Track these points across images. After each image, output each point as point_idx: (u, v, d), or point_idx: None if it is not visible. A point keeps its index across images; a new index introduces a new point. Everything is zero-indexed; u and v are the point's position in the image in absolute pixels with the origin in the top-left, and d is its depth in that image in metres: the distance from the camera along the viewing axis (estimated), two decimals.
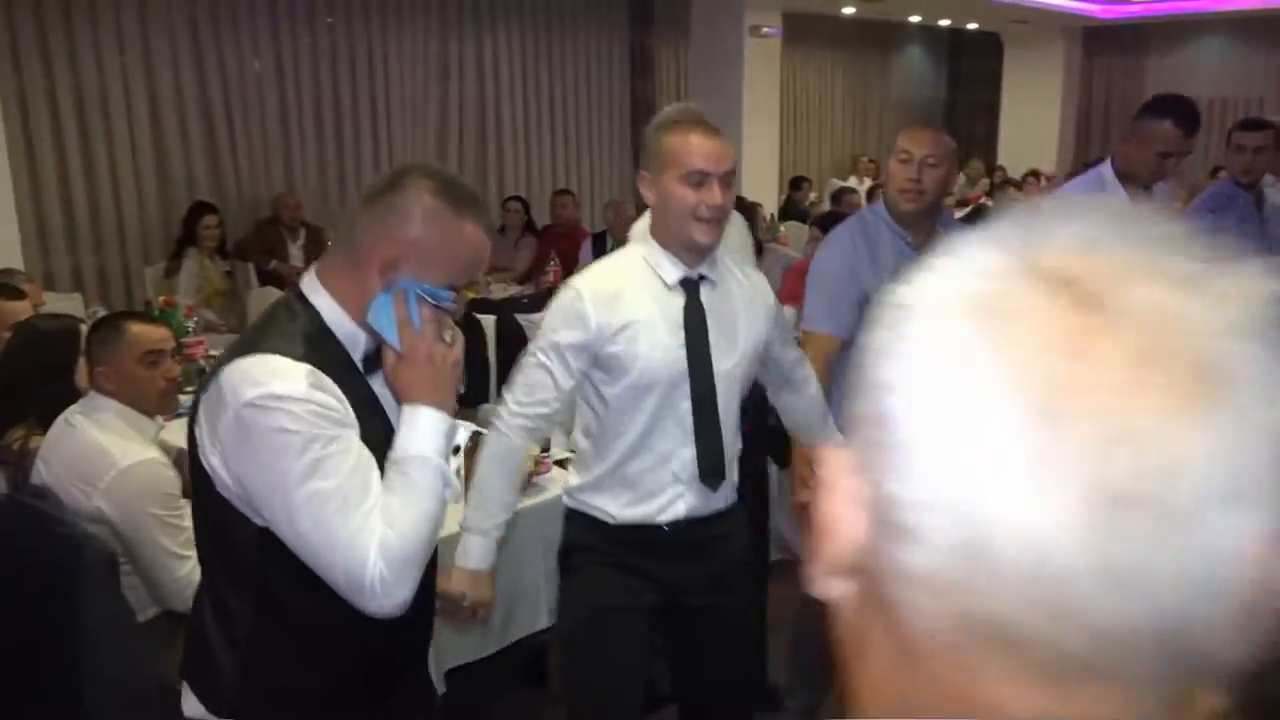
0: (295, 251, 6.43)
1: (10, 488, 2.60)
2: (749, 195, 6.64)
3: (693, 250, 1.97)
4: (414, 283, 1.42)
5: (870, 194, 7.78)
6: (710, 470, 2.02)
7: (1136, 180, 3.06)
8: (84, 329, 2.78)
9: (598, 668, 2.07)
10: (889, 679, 0.45)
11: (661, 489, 2.02)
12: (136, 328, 2.41)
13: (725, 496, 2.09)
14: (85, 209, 6.17)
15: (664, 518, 2.03)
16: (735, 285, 2.08)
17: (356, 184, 7.37)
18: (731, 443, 2.08)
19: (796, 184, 9.51)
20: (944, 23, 11.91)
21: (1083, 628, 0.37)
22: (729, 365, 2.02)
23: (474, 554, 1.97)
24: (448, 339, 1.48)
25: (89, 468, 2.26)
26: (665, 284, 1.98)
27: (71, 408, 2.41)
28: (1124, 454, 0.36)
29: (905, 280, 0.44)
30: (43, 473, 2.40)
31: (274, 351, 1.36)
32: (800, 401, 2.29)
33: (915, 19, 11.44)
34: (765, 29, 8.45)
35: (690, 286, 2.00)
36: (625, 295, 1.97)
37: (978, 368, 0.39)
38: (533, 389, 1.98)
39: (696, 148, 1.90)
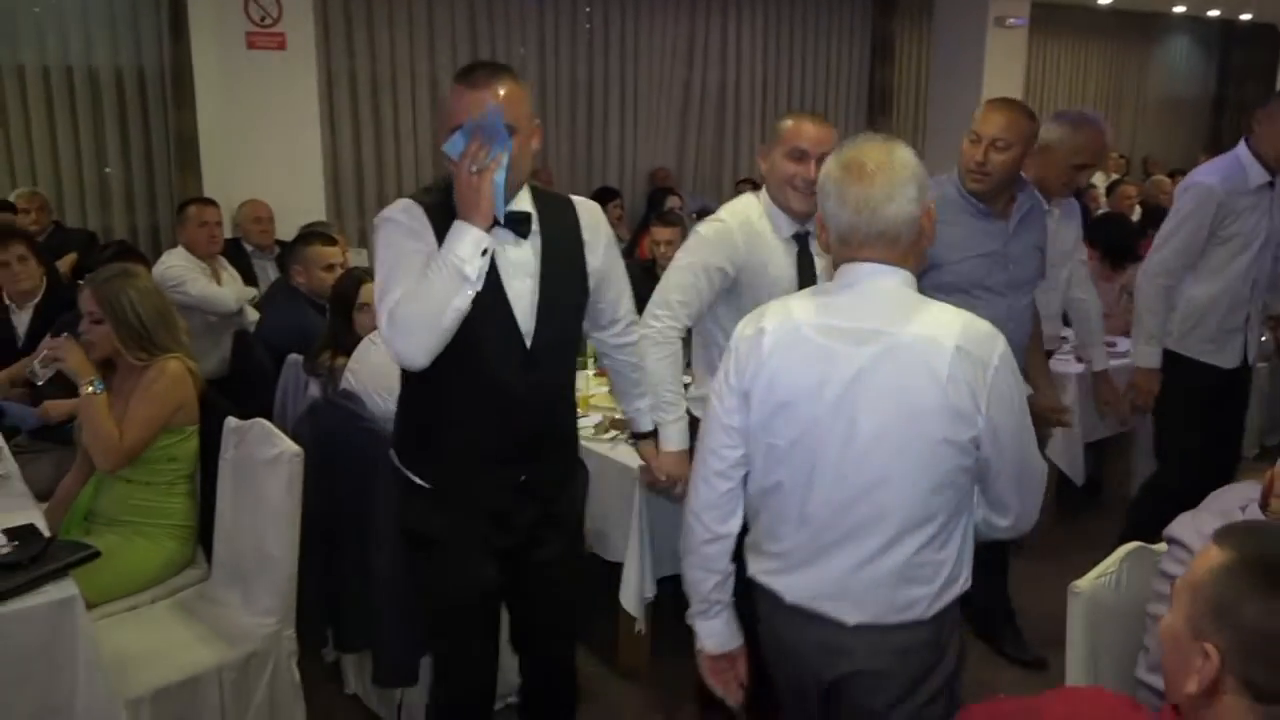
0: None
1: (324, 394, 3.28)
2: None
3: (790, 212, 2.48)
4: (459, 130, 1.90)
5: (1110, 190, 7.59)
6: None
7: (1266, 161, 3.22)
8: None
9: None
10: None
11: None
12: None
13: None
14: (374, 177, 7.08)
15: None
16: None
17: (603, 161, 7.98)
18: None
19: None
20: (1213, 13, 11.24)
21: None
22: None
23: (673, 438, 2.46)
24: (476, 168, 1.89)
25: (388, 379, 2.83)
26: (779, 235, 2.50)
27: (375, 332, 3.01)
28: None
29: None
30: (351, 382, 3.03)
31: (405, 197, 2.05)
32: None
33: (1180, 9, 10.87)
34: (1011, 19, 8.39)
35: (801, 240, 2.51)
36: (763, 235, 2.49)
37: None
38: (687, 300, 2.48)
39: (804, 131, 2.43)
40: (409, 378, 2.11)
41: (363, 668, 2.98)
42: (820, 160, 2.25)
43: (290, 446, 2.53)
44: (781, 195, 2.47)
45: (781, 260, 2.49)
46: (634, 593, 2.98)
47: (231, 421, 2.74)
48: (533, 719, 2.47)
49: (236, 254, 4.89)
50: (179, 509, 2.79)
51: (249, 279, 4.80)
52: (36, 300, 3.86)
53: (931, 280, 2.57)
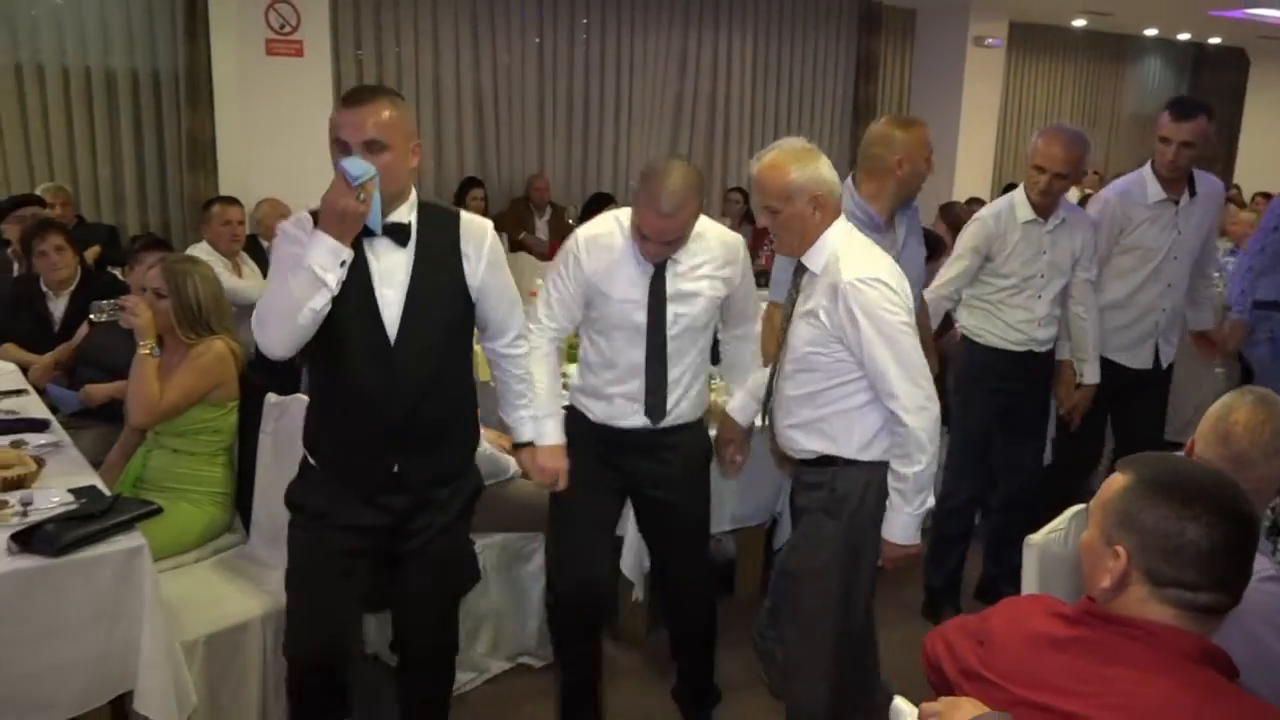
0: (541, 226, 7.36)
1: None
2: (960, 197, 7.07)
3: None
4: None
5: (1082, 203, 7.91)
6: None
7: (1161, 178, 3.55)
8: None
9: None
10: None
11: None
12: None
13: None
14: None
15: None
16: None
17: (597, 168, 8.26)
18: None
19: (1009, 189, 9.67)
20: (1184, 36, 11.65)
21: None
22: None
23: (550, 433, 2.60)
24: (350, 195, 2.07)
25: None
26: (638, 260, 2.54)
27: None
28: None
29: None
30: None
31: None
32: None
33: (1152, 32, 11.27)
34: (989, 40, 8.75)
35: (658, 266, 2.56)
36: (614, 253, 2.56)
37: None
38: (550, 313, 2.65)
39: (647, 220, 2.43)
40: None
41: (383, 629, 3.23)
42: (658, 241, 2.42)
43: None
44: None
45: (630, 285, 2.51)
46: (633, 560, 3.24)
47: (272, 398, 3.00)
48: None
49: (254, 249, 5.14)
50: (219, 477, 3.05)
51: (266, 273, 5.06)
52: (72, 288, 4.10)
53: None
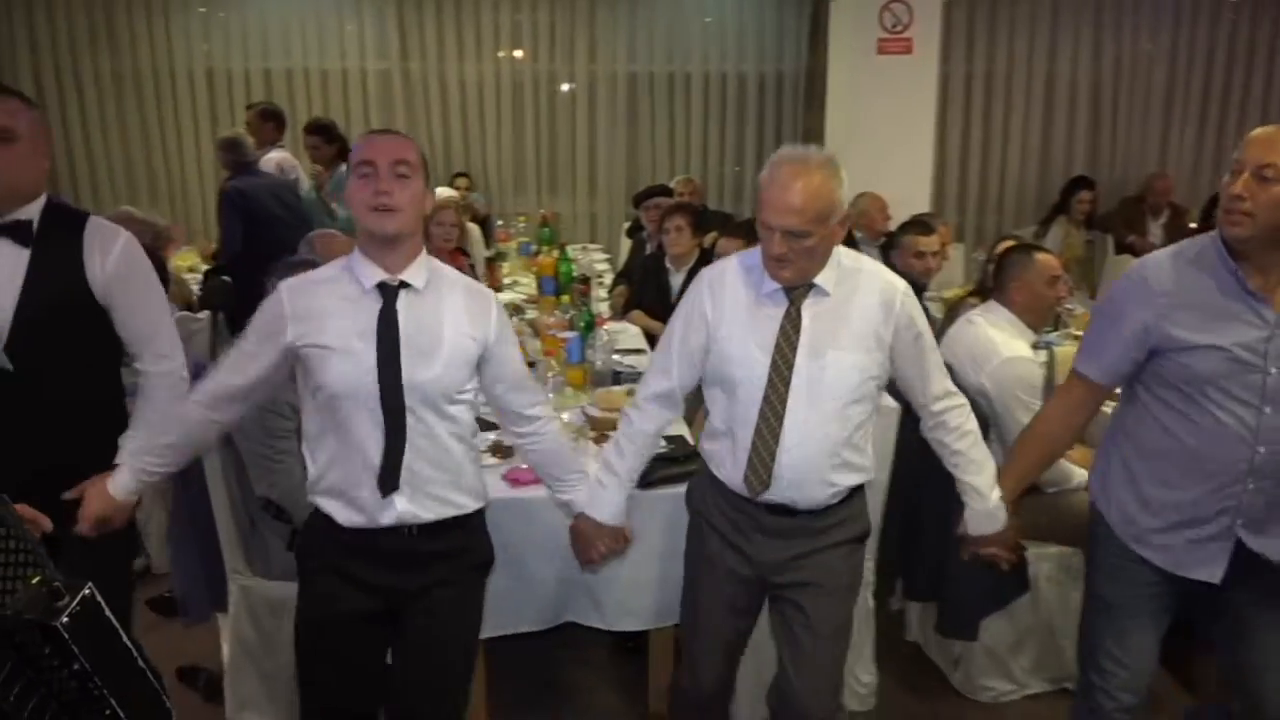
0: (1155, 229, 6.69)
1: None
2: None
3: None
4: None
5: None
6: None
7: None
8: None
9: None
10: None
11: None
12: (1043, 257, 3.12)
13: None
14: (977, 175, 7.25)
15: None
16: None
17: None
18: None
19: None
20: None
21: None
22: None
23: None
24: None
25: (980, 353, 3.03)
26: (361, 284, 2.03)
27: (975, 310, 3.22)
28: None
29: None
30: (945, 353, 3.26)
31: None
32: None
33: None
34: None
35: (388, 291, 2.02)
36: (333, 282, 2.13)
37: None
38: None
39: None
40: None
41: (926, 617, 3.24)
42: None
43: (888, 401, 2.84)
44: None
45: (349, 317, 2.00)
46: None
47: None
48: None
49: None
50: None
51: None
52: (689, 265, 4.66)
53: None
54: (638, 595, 2.66)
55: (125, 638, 1.04)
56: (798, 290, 2.08)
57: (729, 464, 2.16)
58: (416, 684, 2.10)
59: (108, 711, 1.01)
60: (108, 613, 1.03)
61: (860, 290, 2.10)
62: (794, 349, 2.06)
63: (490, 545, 2.21)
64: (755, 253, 2.13)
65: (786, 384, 2.06)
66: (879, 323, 2.09)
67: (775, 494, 2.12)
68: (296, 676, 2.12)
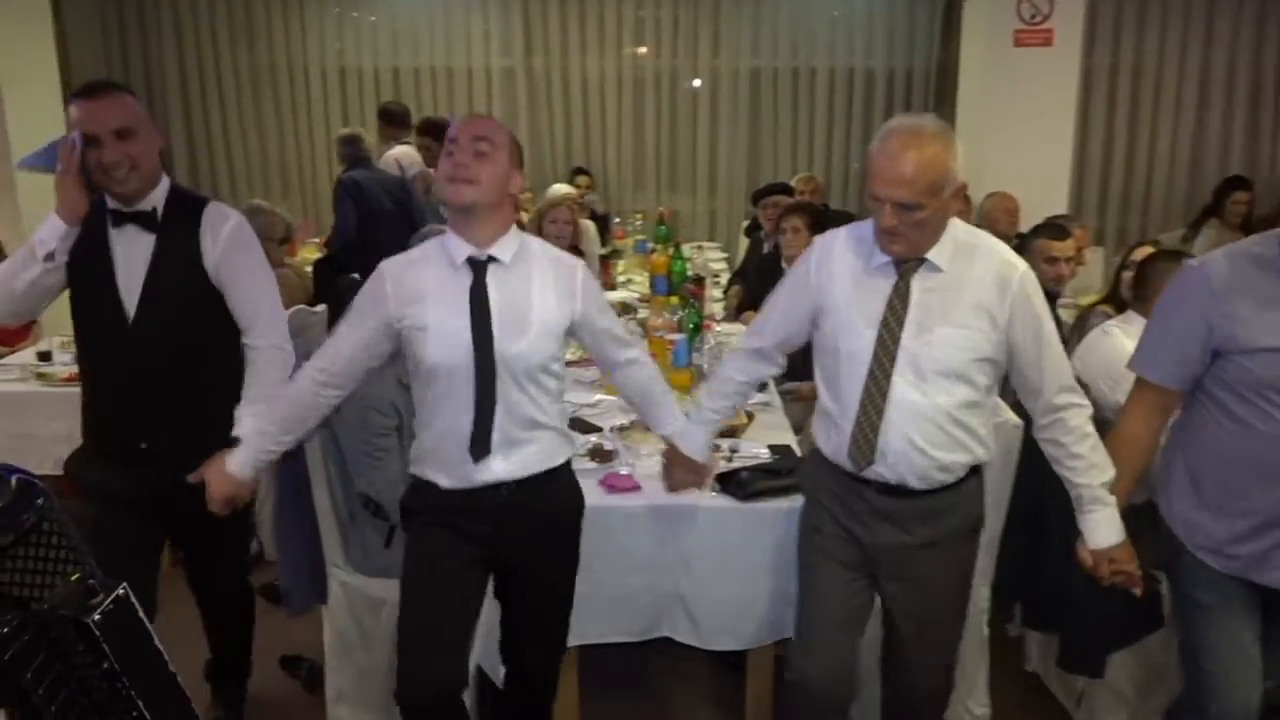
0: None
1: None
2: None
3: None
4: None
5: None
6: None
7: None
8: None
9: None
10: None
11: None
12: None
13: None
14: (1121, 174, 6.84)
15: None
16: None
17: None
18: None
19: None
20: None
21: None
22: None
23: None
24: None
25: (1119, 371, 2.81)
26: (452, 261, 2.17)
27: (1112, 321, 3.00)
28: None
29: None
30: (1078, 367, 3.05)
31: None
32: None
33: None
34: None
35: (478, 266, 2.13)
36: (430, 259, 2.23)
37: None
38: None
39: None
40: None
41: (1048, 648, 3.04)
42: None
43: (1010, 417, 2.67)
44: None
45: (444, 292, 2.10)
46: None
47: None
48: None
49: None
50: None
51: None
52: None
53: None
54: (735, 614, 2.57)
55: (157, 640, 1.07)
56: (908, 264, 2.02)
57: (834, 438, 2.14)
58: (523, 629, 2.28)
59: (134, 713, 1.02)
60: (140, 614, 1.05)
61: (976, 267, 2.01)
62: (900, 324, 2.01)
63: (581, 498, 2.28)
64: (868, 224, 2.08)
65: (892, 359, 2.01)
66: (993, 302, 2.00)
67: (880, 470, 2.07)
68: (396, 625, 2.17)
